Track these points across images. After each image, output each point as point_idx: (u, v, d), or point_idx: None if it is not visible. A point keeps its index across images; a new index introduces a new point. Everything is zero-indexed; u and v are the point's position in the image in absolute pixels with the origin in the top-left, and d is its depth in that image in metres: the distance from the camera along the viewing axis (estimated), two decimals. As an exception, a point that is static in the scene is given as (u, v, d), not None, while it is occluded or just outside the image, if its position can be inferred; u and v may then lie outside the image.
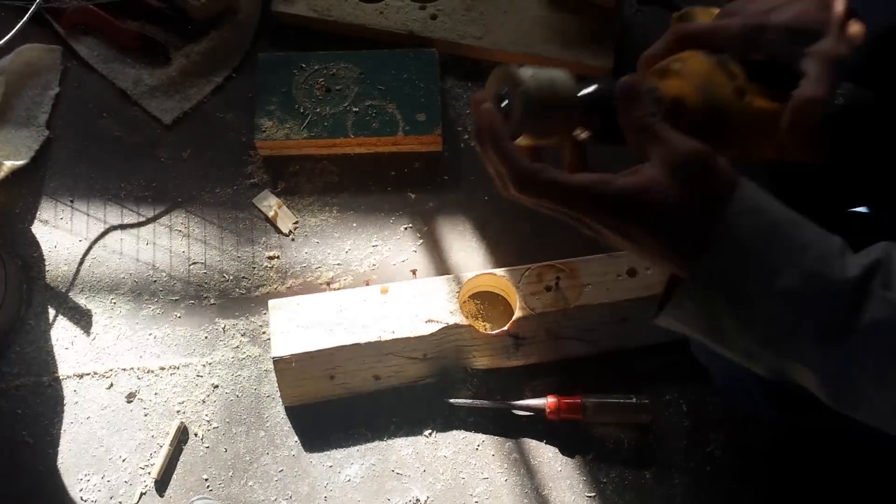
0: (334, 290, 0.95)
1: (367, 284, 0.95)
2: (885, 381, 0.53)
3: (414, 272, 0.98)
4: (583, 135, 0.61)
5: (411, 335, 0.87)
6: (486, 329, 0.92)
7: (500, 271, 0.92)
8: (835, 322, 0.53)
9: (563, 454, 0.88)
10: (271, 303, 0.90)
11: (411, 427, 0.90)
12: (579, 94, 0.60)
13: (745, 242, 0.53)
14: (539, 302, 0.90)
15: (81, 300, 0.96)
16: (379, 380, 0.90)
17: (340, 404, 0.90)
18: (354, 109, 1.03)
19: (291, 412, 0.91)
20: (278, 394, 0.91)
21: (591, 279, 0.91)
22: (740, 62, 0.65)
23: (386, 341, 0.87)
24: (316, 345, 0.87)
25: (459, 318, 0.88)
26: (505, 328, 0.89)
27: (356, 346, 0.87)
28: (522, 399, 0.89)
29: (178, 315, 0.96)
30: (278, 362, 0.86)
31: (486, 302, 0.95)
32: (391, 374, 0.90)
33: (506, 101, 0.59)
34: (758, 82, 0.65)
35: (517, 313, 0.89)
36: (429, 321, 0.88)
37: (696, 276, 0.54)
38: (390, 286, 0.91)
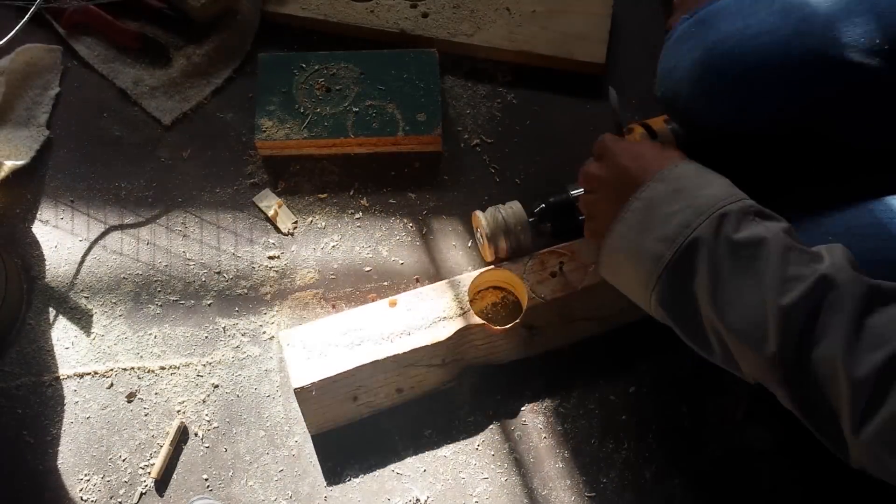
0: (341, 310, 0.94)
1: (373, 300, 0.93)
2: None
3: (417, 280, 0.98)
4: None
5: (427, 343, 0.86)
6: (499, 324, 0.92)
7: (503, 265, 0.92)
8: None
9: (563, 455, 0.88)
10: (281, 334, 0.88)
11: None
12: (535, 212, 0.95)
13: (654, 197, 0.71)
14: (546, 289, 0.90)
15: (82, 300, 0.96)
16: (402, 392, 0.89)
17: (367, 425, 0.89)
18: (354, 109, 1.03)
19: (318, 440, 0.89)
20: (278, 393, 0.91)
21: (594, 259, 0.90)
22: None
23: (403, 353, 0.86)
24: (334, 369, 0.85)
25: (471, 318, 0.88)
26: (517, 321, 0.89)
27: (374, 363, 0.85)
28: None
29: (178, 315, 0.96)
30: (300, 392, 0.84)
31: (495, 297, 0.96)
32: (413, 385, 0.89)
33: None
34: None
35: (527, 304, 0.89)
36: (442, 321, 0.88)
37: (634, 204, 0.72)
38: (398, 298, 0.90)
